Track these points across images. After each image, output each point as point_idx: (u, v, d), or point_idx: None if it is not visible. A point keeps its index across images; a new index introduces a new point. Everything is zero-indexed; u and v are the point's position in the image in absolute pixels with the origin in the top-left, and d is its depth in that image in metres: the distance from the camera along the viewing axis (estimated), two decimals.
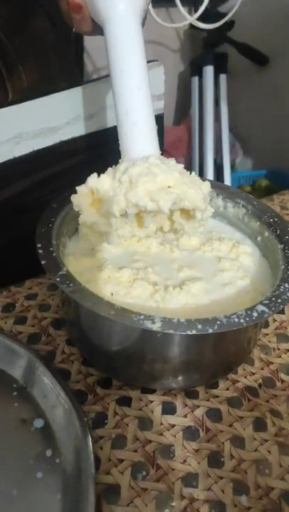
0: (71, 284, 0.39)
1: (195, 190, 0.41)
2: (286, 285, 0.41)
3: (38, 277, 0.60)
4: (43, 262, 0.41)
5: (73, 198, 0.44)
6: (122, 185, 0.40)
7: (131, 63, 0.42)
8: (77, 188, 0.43)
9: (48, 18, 0.69)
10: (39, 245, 0.42)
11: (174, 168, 0.41)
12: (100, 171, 0.57)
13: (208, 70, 1.87)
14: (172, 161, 0.42)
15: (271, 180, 1.98)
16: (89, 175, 0.55)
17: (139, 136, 0.43)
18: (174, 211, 0.44)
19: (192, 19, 1.52)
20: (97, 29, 0.46)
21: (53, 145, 0.68)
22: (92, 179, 0.43)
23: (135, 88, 0.42)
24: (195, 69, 1.96)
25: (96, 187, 0.42)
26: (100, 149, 0.73)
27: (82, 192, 0.43)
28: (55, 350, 0.50)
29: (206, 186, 0.43)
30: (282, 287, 0.41)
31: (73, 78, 0.71)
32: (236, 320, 0.37)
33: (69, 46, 0.77)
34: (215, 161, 1.87)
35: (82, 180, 0.54)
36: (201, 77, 1.92)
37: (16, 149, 0.64)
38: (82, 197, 0.43)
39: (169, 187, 0.40)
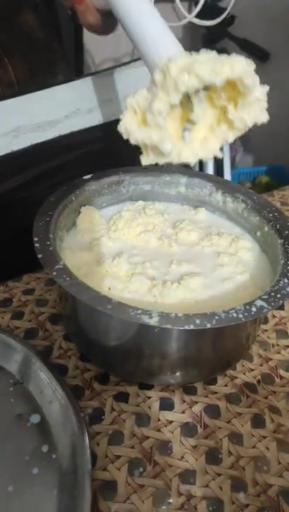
0: (68, 278, 0.38)
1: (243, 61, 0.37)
2: (285, 280, 0.40)
3: (35, 272, 0.59)
4: (39, 256, 0.40)
5: (120, 126, 0.40)
6: (169, 76, 0.36)
7: None
8: (120, 116, 0.40)
9: (36, 15, 0.68)
10: (36, 239, 0.42)
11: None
12: (99, 165, 0.56)
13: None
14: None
15: (272, 176, 1.97)
16: (88, 169, 0.55)
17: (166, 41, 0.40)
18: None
19: (190, 17, 1.51)
20: (106, 24, 0.45)
21: (52, 139, 0.67)
22: (129, 98, 0.39)
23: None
24: None
25: (136, 101, 0.39)
26: (100, 143, 0.72)
27: (125, 116, 0.39)
28: (52, 345, 0.49)
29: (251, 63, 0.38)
30: (281, 282, 0.40)
31: (63, 74, 0.70)
32: (235, 315, 0.36)
33: (59, 43, 0.76)
34: (215, 157, 1.86)
35: (82, 174, 0.54)
36: None
37: (13, 143, 0.63)
38: (127, 120, 0.39)
39: None
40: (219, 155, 0.43)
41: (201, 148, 0.43)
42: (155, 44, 0.40)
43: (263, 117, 0.39)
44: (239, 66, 0.35)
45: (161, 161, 0.41)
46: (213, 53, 0.37)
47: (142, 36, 0.41)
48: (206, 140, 0.43)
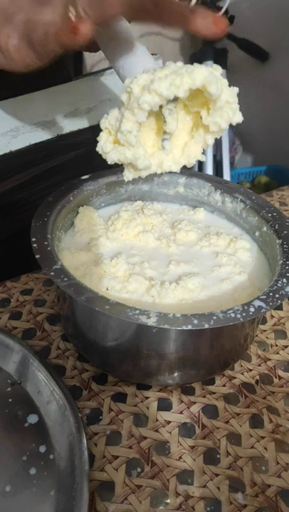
0: (66, 279, 0.38)
1: (204, 70, 0.37)
2: (284, 280, 0.40)
3: (33, 272, 0.59)
4: (37, 256, 0.40)
5: (97, 147, 0.42)
6: (132, 96, 0.37)
7: None
8: (98, 138, 0.41)
9: None
10: (34, 239, 0.42)
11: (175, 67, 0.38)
12: (98, 165, 0.56)
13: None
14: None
15: (271, 176, 1.97)
16: (86, 169, 0.55)
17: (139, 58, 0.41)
18: (189, 102, 0.41)
19: None
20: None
21: (51, 139, 0.67)
22: (102, 119, 0.41)
23: None
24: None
25: (108, 122, 0.40)
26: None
27: (101, 137, 0.41)
28: (50, 345, 0.49)
29: (216, 68, 0.39)
30: (279, 282, 0.40)
31: (62, 74, 0.70)
32: (233, 315, 0.36)
33: None
34: (214, 157, 1.86)
35: (81, 174, 0.54)
36: None
37: (12, 143, 0.63)
38: (103, 141, 0.41)
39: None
40: (202, 158, 0.44)
41: (183, 155, 0.44)
42: (124, 64, 0.41)
43: (237, 118, 0.40)
44: (200, 76, 0.36)
45: (144, 175, 0.42)
46: (177, 65, 0.38)
47: (113, 56, 0.42)
48: (187, 146, 0.44)
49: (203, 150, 0.45)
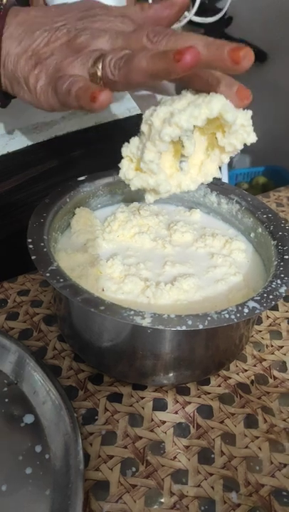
0: (61, 280, 0.38)
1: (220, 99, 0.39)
2: (278, 281, 0.41)
3: (30, 273, 0.60)
4: (33, 257, 0.40)
5: (120, 174, 0.43)
6: (153, 128, 0.39)
7: None
8: (120, 165, 0.43)
9: None
10: (30, 240, 0.42)
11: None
12: (96, 166, 0.56)
13: None
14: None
15: (269, 177, 1.98)
16: (83, 171, 0.55)
17: None
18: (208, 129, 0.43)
19: (190, 16, 1.51)
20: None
21: (48, 140, 0.67)
22: (124, 148, 0.42)
23: None
24: None
25: (130, 151, 0.42)
26: (96, 144, 0.73)
27: (123, 164, 0.43)
28: (46, 346, 0.50)
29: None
30: (274, 283, 0.40)
31: None
32: (227, 316, 0.36)
33: None
34: None
35: (78, 176, 0.54)
36: None
37: (10, 144, 0.64)
38: (125, 169, 0.42)
39: None
40: (218, 175, 0.46)
41: (200, 174, 0.45)
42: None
43: (251, 139, 0.42)
44: (217, 106, 0.38)
45: (164, 196, 0.44)
46: (192, 95, 0.41)
47: None
48: (204, 165, 0.45)
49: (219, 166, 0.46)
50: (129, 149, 0.42)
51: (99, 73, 0.37)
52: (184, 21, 1.51)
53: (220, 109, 0.38)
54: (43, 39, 0.40)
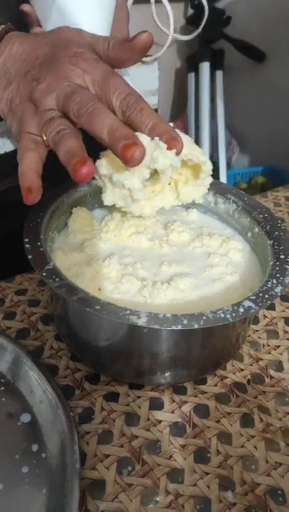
0: (57, 279, 0.38)
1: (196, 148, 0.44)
2: (274, 281, 0.41)
3: (28, 273, 0.60)
4: (29, 257, 0.41)
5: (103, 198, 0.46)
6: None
7: None
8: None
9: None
10: (26, 240, 0.42)
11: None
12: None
13: (205, 67, 1.87)
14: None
15: (267, 177, 1.98)
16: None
17: None
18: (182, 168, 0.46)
19: (170, 34, 1.51)
20: None
21: None
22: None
23: None
24: (191, 65, 1.96)
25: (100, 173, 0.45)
26: (93, 144, 0.73)
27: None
28: (43, 345, 0.50)
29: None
30: (270, 283, 0.41)
31: None
32: (222, 315, 0.37)
33: None
34: (211, 158, 1.87)
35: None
36: (197, 73, 1.92)
37: (7, 144, 0.64)
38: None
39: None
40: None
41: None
42: None
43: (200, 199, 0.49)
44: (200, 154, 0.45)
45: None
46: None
47: None
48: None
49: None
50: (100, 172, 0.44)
51: (44, 138, 0.41)
52: (168, 42, 1.51)
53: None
54: (14, 86, 0.44)
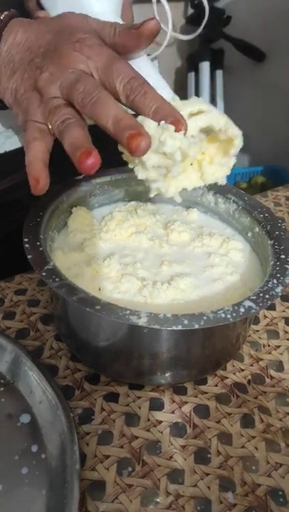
0: (57, 279, 0.38)
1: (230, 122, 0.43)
2: (274, 281, 0.41)
3: (27, 272, 0.59)
4: (29, 257, 0.40)
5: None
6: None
7: None
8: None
9: None
10: (26, 239, 0.42)
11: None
12: None
13: (205, 66, 1.87)
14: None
15: (267, 177, 1.98)
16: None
17: None
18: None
19: (169, 32, 1.51)
20: None
21: None
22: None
23: None
24: (191, 64, 1.96)
25: None
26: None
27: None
28: (43, 345, 0.50)
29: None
30: (270, 283, 0.40)
31: None
32: (223, 315, 0.36)
33: None
34: None
35: (76, 174, 0.54)
36: (197, 72, 1.92)
37: (7, 143, 0.63)
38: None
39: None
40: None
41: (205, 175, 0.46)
42: None
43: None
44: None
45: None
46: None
47: None
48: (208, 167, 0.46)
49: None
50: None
51: (50, 126, 0.41)
52: (166, 40, 1.51)
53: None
54: (18, 75, 0.43)
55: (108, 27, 0.44)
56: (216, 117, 0.42)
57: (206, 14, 1.73)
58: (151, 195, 0.44)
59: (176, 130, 0.38)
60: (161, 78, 0.49)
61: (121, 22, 0.49)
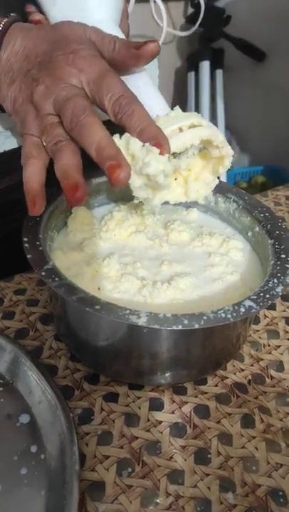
0: (57, 279, 0.38)
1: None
2: (275, 280, 0.40)
3: (27, 272, 0.59)
4: (28, 256, 0.40)
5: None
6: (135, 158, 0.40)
7: None
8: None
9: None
10: (25, 239, 0.42)
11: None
12: (92, 164, 0.56)
13: (205, 65, 1.86)
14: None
15: (267, 176, 1.97)
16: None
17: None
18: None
19: (164, 28, 1.52)
20: None
21: None
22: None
23: None
24: (191, 64, 1.96)
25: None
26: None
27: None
28: (42, 345, 0.49)
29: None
30: (270, 283, 0.40)
31: None
32: (223, 315, 0.36)
33: None
34: None
35: None
36: (197, 72, 1.91)
37: (6, 143, 0.63)
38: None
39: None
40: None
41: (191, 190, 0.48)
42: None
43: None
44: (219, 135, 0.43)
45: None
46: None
47: None
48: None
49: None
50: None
51: (44, 143, 0.42)
52: (162, 37, 1.51)
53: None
54: (17, 85, 0.44)
55: (107, 42, 0.44)
56: (217, 133, 0.43)
57: (202, 12, 1.73)
58: (136, 201, 0.45)
59: (160, 153, 0.38)
60: (158, 93, 0.49)
61: (120, 32, 0.49)
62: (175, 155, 0.44)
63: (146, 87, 0.47)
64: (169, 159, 0.40)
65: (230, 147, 0.44)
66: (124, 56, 0.43)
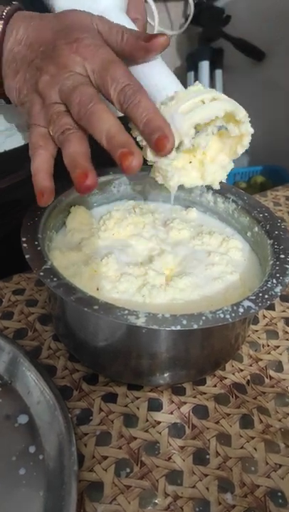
0: (55, 279, 0.38)
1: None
2: (274, 281, 0.40)
3: (26, 272, 0.59)
4: (27, 256, 0.40)
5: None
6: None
7: None
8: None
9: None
10: (24, 239, 0.42)
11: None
12: (93, 163, 0.56)
13: (204, 65, 1.87)
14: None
15: (267, 176, 1.97)
16: None
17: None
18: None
19: (156, 26, 1.52)
20: None
21: None
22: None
23: None
24: (191, 64, 1.96)
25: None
26: (92, 143, 0.72)
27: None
28: (41, 345, 0.49)
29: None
30: (269, 283, 0.40)
31: None
32: (222, 316, 0.36)
33: None
34: None
35: None
36: (197, 72, 1.91)
37: (7, 142, 0.63)
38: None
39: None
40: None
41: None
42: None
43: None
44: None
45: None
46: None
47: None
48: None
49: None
50: None
51: (51, 133, 0.41)
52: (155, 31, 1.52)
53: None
54: (21, 75, 0.44)
55: (115, 32, 0.43)
56: (240, 107, 0.42)
57: (192, 9, 1.73)
58: (152, 175, 0.45)
59: (161, 146, 0.38)
60: (169, 73, 0.48)
61: (127, 19, 0.48)
62: (197, 129, 0.43)
63: (160, 66, 0.46)
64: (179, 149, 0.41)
65: (250, 125, 0.43)
66: (133, 47, 0.43)
